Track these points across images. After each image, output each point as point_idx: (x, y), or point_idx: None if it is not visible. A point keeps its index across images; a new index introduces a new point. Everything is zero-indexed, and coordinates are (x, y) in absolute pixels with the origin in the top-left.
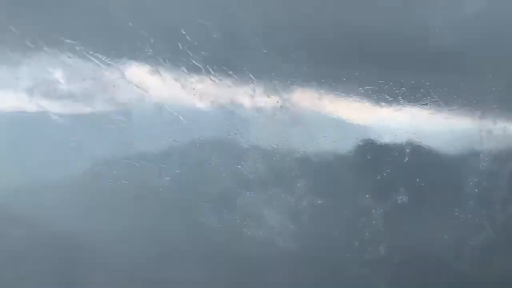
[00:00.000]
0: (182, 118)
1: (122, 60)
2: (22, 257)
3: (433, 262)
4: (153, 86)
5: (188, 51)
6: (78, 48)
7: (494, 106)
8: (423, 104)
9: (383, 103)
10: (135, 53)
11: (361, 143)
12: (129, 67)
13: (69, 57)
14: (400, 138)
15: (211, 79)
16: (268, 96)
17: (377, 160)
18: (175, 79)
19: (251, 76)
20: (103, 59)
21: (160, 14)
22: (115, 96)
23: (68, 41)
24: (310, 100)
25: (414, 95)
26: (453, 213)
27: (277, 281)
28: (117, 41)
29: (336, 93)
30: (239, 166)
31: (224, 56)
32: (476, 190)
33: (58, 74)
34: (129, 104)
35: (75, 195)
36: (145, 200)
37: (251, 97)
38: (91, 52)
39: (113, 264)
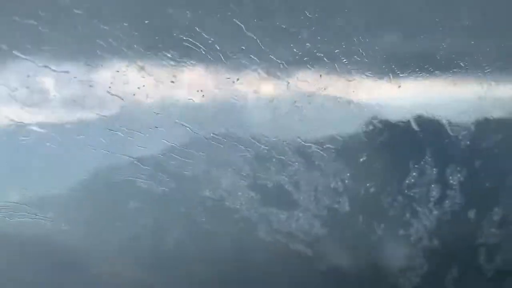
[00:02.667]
0: (176, 120)
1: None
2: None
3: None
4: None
5: (170, 40)
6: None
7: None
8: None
9: (388, 79)
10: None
11: (370, 124)
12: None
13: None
14: (410, 113)
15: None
16: (268, 80)
17: (391, 140)
18: (161, 75)
19: (248, 59)
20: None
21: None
22: (101, 101)
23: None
24: (310, 82)
25: (419, 65)
26: None
27: None
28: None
29: (337, 72)
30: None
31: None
32: None
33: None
34: (116, 108)
35: (69, 208)
36: (144, 207)
37: (249, 83)
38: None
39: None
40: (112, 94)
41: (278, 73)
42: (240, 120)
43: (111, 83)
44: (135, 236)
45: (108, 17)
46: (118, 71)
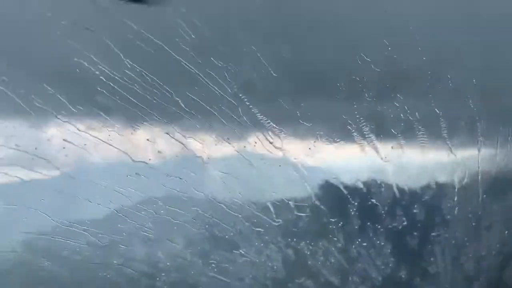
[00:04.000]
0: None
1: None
2: None
3: None
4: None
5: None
6: None
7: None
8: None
9: (338, 141)
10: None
11: (318, 188)
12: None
13: None
14: (361, 177)
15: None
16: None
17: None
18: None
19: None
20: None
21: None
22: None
23: None
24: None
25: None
26: None
27: None
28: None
29: (283, 133)
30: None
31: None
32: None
33: None
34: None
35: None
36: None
37: (201, 144)
38: None
39: None
40: (40, 157)
41: (230, 134)
42: (188, 181)
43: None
44: None
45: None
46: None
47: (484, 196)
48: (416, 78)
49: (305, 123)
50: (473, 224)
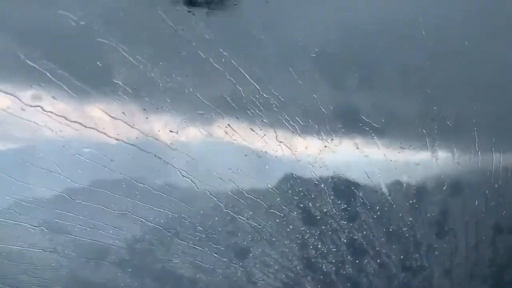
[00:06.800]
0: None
1: None
2: None
3: None
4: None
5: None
6: None
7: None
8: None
9: (303, 133)
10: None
11: (280, 178)
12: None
13: None
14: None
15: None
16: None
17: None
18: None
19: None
20: None
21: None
22: None
23: None
24: (218, 132)
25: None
26: None
27: None
28: None
29: (243, 122)
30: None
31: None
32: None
33: None
34: None
35: None
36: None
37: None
38: None
39: None
40: None
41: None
42: (143, 164)
43: None
44: None
45: None
46: None
47: None
48: None
49: None
50: None
